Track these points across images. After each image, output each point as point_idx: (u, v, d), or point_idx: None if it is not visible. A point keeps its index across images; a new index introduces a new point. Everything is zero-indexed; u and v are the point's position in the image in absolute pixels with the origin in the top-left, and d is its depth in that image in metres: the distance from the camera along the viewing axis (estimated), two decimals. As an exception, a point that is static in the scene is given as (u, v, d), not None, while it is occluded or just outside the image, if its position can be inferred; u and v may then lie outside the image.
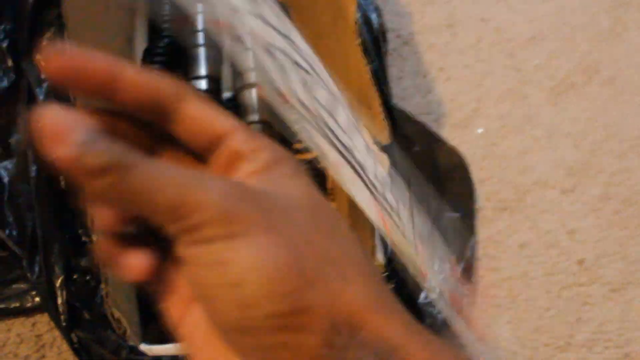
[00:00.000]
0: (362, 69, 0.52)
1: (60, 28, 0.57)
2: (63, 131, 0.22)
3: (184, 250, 0.25)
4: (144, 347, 0.49)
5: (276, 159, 0.28)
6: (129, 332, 0.50)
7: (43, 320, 0.63)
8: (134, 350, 0.48)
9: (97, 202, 0.27)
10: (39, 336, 0.62)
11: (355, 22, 0.52)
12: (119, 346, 0.49)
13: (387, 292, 0.28)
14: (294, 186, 0.28)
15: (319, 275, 0.26)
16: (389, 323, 0.26)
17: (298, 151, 0.68)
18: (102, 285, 0.49)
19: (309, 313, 0.25)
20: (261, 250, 0.24)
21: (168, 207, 0.24)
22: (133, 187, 0.23)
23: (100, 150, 0.23)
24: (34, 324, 0.63)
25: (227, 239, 0.24)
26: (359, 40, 0.52)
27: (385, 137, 0.51)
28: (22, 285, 0.63)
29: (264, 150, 0.28)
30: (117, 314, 0.49)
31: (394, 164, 0.56)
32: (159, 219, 0.24)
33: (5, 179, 0.63)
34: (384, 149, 0.54)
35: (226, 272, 0.24)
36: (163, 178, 0.24)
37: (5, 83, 0.65)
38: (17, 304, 0.63)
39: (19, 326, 0.63)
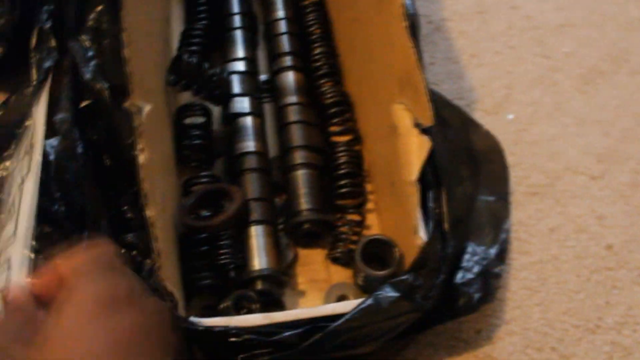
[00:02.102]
0: (409, 51, 0.53)
1: (110, 6, 0.58)
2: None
3: None
4: (194, 320, 0.51)
5: None
6: (180, 304, 0.52)
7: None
8: (186, 322, 0.50)
9: None
10: (82, 310, 0.64)
11: (402, 5, 0.53)
12: (172, 317, 0.50)
13: None
14: None
15: None
16: None
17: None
18: (155, 258, 0.50)
19: None
20: None
21: None
22: None
23: None
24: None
25: None
26: (405, 23, 0.53)
27: (428, 118, 0.52)
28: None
29: None
30: (170, 287, 0.51)
31: (435, 146, 0.57)
32: None
33: (52, 157, 0.64)
34: (426, 130, 0.55)
35: None
36: None
37: (49, 62, 0.67)
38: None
39: (63, 300, 0.64)
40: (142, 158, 0.49)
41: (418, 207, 0.54)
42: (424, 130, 0.55)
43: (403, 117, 0.56)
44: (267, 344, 0.50)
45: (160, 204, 0.54)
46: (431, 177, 0.59)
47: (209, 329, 0.49)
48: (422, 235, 0.54)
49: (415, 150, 0.54)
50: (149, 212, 0.49)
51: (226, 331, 0.49)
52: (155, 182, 0.54)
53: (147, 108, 0.50)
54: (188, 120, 0.69)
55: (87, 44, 0.63)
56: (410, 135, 0.55)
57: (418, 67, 0.52)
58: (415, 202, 0.54)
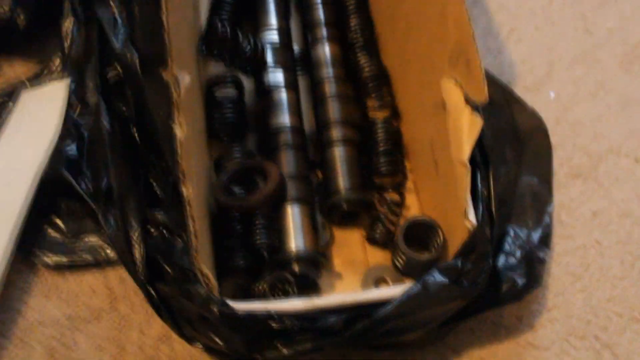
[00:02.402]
0: (465, 22, 0.49)
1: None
2: None
3: None
4: (233, 304, 0.48)
5: None
6: (217, 287, 0.49)
7: (114, 274, 0.62)
8: (225, 306, 0.48)
9: None
10: (110, 289, 0.61)
11: (458, -25, 0.50)
12: (208, 301, 0.48)
13: None
14: None
15: None
16: None
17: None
18: (192, 239, 0.48)
19: None
20: None
21: None
22: None
23: None
24: (105, 277, 0.62)
25: None
26: (462, -7, 0.50)
27: (482, 95, 0.49)
28: (93, 239, 0.62)
29: None
30: (205, 270, 0.49)
31: (486, 123, 0.54)
32: None
33: (85, 133, 0.61)
34: (479, 108, 0.52)
35: None
36: None
37: (76, 32, 0.64)
38: (89, 257, 0.62)
39: (91, 279, 0.62)
40: (179, 133, 0.46)
41: (468, 189, 0.51)
42: (476, 108, 0.52)
43: (453, 93, 0.53)
44: (309, 330, 0.47)
45: (194, 181, 0.51)
46: (479, 157, 0.56)
47: (250, 314, 0.47)
48: (472, 219, 0.51)
49: (466, 128, 0.51)
50: (186, 191, 0.47)
51: (267, 316, 0.47)
52: (191, 158, 0.51)
53: (186, 80, 0.47)
54: (219, 93, 0.65)
55: (117, 11, 0.59)
56: (461, 113, 0.52)
57: (474, 39, 0.49)
58: (466, 184, 0.51)
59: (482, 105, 0.51)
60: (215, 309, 0.47)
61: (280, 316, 0.47)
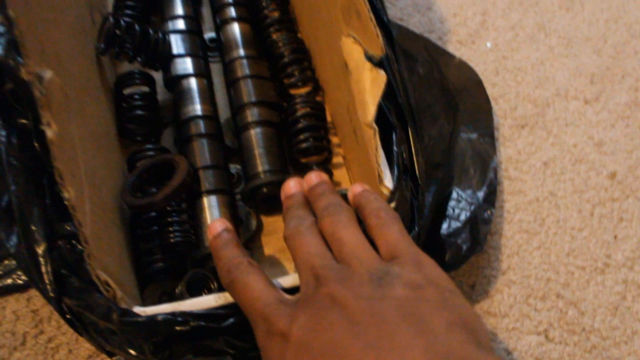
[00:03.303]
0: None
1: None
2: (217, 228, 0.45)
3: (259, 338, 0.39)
4: (138, 309, 0.44)
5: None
6: (119, 295, 0.46)
7: (38, 295, 0.58)
8: (126, 313, 0.44)
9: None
10: (35, 311, 0.58)
11: None
12: (109, 310, 0.44)
13: None
14: None
15: None
16: None
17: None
18: (83, 246, 0.44)
19: None
20: None
21: (252, 315, 0.40)
22: (235, 289, 0.42)
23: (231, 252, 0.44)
24: (28, 299, 0.58)
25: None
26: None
27: (377, 47, 0.45)
28: (13, 262, 0.59)
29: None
30: (103, 277, 0.45)
31: (397, 81, 0.50)
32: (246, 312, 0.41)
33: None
34: (380, 63, 0.48)
35: None
36: (254, 292, 0.40)
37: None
38: (9, 281, 0.58)
39: (14, 303, 0.58)
40: (50, 133, 0.43)
41: (379, 151, 0.47)
42: (379, 65, 0.47)
43: (352, 52, 0.48)
44: (218, 331, 0.43)
45: (86, 183, 0.47)
46: (395, 117, 0.51)
47: (151, 319, 0.43)
48: (388, 184, 0.47)
49: (369, 87, 0.47)
50: (67, 194, 0.43)
51: (171, 320, 0.43)
52: (78, 159, 0.47)
53: (48, 75, 0.44)
54: (128, 90, 0.62)
55: (-3, 16, 0.56)
56: (362, 71, 0.47)
57: (357, -11, 0.44)
58: (375, 146, 0.46)
59: (382, 59, 0.47)
60: (115, 317, 0.43)
61: (186, 318, 0.43)
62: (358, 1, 0.45)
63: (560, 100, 0.67)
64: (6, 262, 0.59)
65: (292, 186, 0.47)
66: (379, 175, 0.47)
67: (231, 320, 0.44)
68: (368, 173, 0.51)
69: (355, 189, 0.45)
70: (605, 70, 0.69)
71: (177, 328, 0.43)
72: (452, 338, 0.32)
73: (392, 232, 0.41)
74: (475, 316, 0.36)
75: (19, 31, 0.42)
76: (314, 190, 0.45)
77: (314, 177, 0.45)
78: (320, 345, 0.34)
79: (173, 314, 0.44)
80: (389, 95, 0.49)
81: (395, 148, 0.49)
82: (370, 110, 0.46)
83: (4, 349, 0.56)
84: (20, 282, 0.58)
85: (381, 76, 0.46)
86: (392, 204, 0.46)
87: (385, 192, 0.47)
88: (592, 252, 0.60)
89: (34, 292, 0.59)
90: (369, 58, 0.47)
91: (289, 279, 0.45)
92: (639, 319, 0.57)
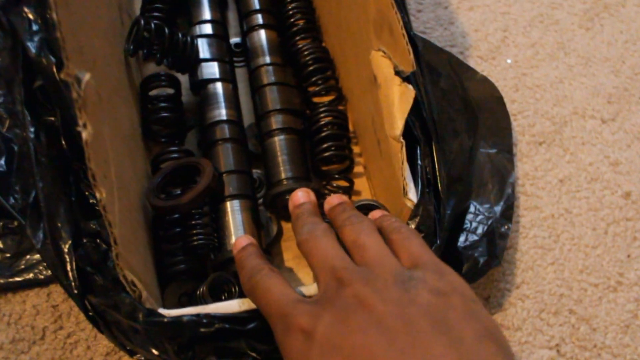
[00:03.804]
0: (381, -12, 0.46)
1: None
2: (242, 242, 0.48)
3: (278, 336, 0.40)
4: (162, 311, 0.45)
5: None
6: (144, 295, 0.46)
7: (58, 290, 0.59)
8: (152, 314, 0.45)
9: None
10: (55, 307, 0.59)
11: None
12: (134, 309, 0.45)
13: None
14: None
15: None
16: None
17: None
18: (112, 246, 0.45)
19: None
20: None
21: (272, 315, 0.41)
22: (256, 293, 0.43)
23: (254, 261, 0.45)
24: (49, 295, 0.59)
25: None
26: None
27: (408, 63, 0.46)
28: (35, 256, 0.60)
29: None
30: (130, 277, 0.46)
31: (423, 96, 0.51)
32: (266, 314, 0.42)
33: (16, 147, 0.59)
34: (409, 78, 0.49)
35: None
36: (274, 294, 0.41)
37: (3, 51, 0.61)
38: (31, 276, 0.59)
39: (34, 297, 0.59)
40: (85, 134, 0.43)
41: (405, 165, 0.48)
42: (406, 79, 0.48)
43: (382, 66, 0.49)
44: (242, 333, 0.44)
45: (116, 184, 0.48)
46: (419, 131, 0.52)
47: (176, 320, 0.44)
48: (412, 197, 0.48)
49: (397, 101, 0.48)
50: (99, 194, 0.44)
51: (196, 321, 0.44)
52: (109, 160, 0.48)
53: (86, 77, 0.44)
54: (154, 92, 0.63)
55: (31, 16, 0.57)
56: (391, 85, 0.48)
57: (392, 4, 0.45)
58: (401, 160, 0.47)
59: (411, 74, 0.48)
60: (141, 317, 0.44)
61: (211, 320, 0.44)
62: (391, 17, 0.46)
63: (577, 119, 0.68)
64: (28, 256, 0.60)
65: (300, 196, 0.47)
66: (404, 188, 0.48)
67: (254, 323, 0.45)
68: (391, 185, 0.52)
69: (375, 214, 0.46)
70: (623, 91, 0.70)
71: (202, 330, 0.44)
72: (483, 349, 0.33)
73: (413, 244, 0.41)
74: (499, 328, 0.37)
75: (61, 34, 0.43)
76: (336, 208, 0.46)
77: (336, 198, 0.46)
78: (351, 347, 0.34)
79: (198, 316, 0.45)
80: (414, 109, 0.50)
81: (419, 162, 0.50)
82: (398, 124, 0.47)
83: (23, 342, 0.57)
84: (41, 277, 0.59)
85: (410, 91, 0.47)
86: (417, 218, 0.47)
87: (409, 204, 0.48)
88: (605, 270, 0.61)
89: (54, 288, 0.59)
90: (398, 72, 0.48)
91: (312, 288, 0.46)
92: (649, 338, 0.58)
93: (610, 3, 0.76)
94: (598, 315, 0.58)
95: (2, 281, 0.58)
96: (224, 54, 0.64)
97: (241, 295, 0.51)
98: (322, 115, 0.60)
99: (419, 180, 0.48)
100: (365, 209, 0.54)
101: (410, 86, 0.48)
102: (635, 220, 0.63)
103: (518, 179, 0.64)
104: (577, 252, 0.62)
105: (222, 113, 0.60)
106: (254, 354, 0.45)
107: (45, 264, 0.59)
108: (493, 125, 0.63)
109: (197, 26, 0.65)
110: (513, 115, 0.67)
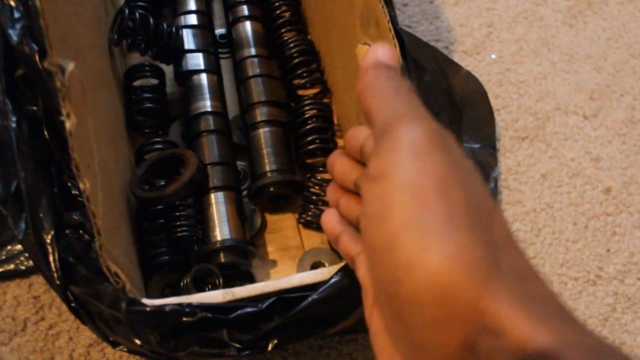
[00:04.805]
0: (367, -18, 0.46)
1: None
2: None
3: (363, 188, 0.32)
4: (145, 300, 0.45)
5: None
6: (128, 286, 0.46)
7: (40, 281, 0.59)
8: (134, 303, 0.44)
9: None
10: (36, 297, 0.58)
11: None
12: (117, 299, 0.45)
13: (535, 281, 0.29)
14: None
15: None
16: (539, 327, 0.25)
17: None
18: (96, 237, 0.45)
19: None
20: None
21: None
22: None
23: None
24: (30, 285, 0.59)
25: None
26: (361, -50, 0.46)
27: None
28: (17, 247, 0.59)
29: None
30: (113, 268, 0.45)
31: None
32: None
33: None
34: (395, 72, 0.49)
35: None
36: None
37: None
38: (12, 266, 0.59)
39: (15, 288, 0.59)
40: (69, 124, 0.43)
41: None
42: (392, 72, 0.48)
43: (367, 59, 0.49)
44: (225, 323, 0.44)
45: (99, 175, 0.48)
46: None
47: (159, 310, 0.44)
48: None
49: (382, 94, 0.48)
50: (83, 185, 0.43)
51: (178, 310, 0.44)
52: (93, 151, 0.48)
53: (70, 66, 0.44)
54: (138, 83, 0.62)
55: (12, 3, 0.56)
56: (376, 79, 0.48)
57: (378, 0, 0.45)
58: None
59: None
60: (123, 307, 0.44)
61: (193, 309, 0.44)
62: (378, 11, 0.46)
63: (560, 115, 0.69)
64: (9, 247, 0.59)
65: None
66: (388, 181, 0.48)
67: (238, 312, 0.45)
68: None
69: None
70: (605, 88, 0.71)
71: (184, 319, 0.44)
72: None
73: None
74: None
75: (45, 22, 0.42)
76: None
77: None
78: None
79: (180, 305, 0.44)
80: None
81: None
82: (382, 117, 0.47)
83: (4, 333, 0.57)
84: (22, 267, 0.59)
85: (395, 84, 0.47)
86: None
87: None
88: (585, 264, 0.61)
89: (35, 278, 0.59)
90: (384, 66, 0.48)
91: (323, 272, 0.46)
92: (627, 330, 0.59)
93: (593, 0, 0.77)
94: (578, 309, 0.59)
95: (-18, 272, 0.58)
96: (209, 45, 0.64)
97: (225, 287, 0.51)
98: (306, 107, 0.60)
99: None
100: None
101: (395, 79, 0.48)
102: (615, 215, 0.64)
103: (501, 174, 0.65)
104: (557, 246, 0.62)
105: (207, 104, 0.59)
106: (236, 344, 0.45)
107: (26, 254, 0.58)
108: (477, 120, 0.63)
109: (182, 16, 0.64)
110: (497, 110, 0.68)
